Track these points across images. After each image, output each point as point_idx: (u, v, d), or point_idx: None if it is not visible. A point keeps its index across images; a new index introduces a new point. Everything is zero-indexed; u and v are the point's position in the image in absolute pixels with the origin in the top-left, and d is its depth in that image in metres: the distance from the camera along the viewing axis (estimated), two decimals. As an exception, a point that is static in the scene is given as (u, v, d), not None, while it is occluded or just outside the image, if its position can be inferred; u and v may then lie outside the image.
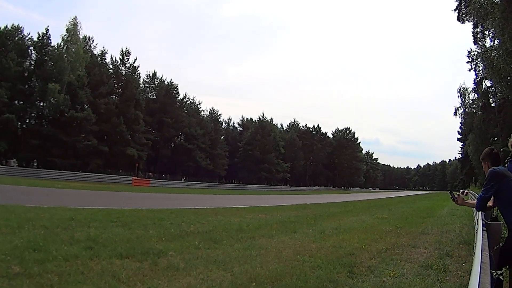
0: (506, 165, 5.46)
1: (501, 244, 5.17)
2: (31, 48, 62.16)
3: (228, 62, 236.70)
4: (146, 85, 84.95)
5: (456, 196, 5.83)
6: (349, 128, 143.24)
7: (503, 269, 4.40)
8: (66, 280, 5.45)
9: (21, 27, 61.08)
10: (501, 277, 3.94)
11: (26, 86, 60.19)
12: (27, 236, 7.94)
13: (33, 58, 62.11)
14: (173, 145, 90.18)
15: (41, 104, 61.72)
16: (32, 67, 61.38)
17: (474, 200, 6.33)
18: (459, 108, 62.78)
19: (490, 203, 5.38)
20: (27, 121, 62.50)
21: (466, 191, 6.34)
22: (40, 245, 7.15)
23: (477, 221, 7.03)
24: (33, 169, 54.50)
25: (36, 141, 56.92)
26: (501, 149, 6.69)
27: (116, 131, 67.40)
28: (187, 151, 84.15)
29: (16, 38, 60.31)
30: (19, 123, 59.62)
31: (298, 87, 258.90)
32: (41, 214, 11.21)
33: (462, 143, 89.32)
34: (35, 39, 62.16)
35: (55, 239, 7.99)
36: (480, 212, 6.09)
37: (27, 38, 61.97)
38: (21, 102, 59.70)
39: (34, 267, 5.87)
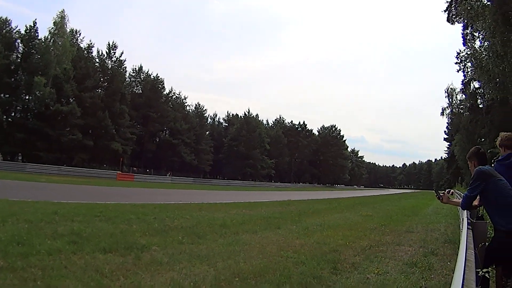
0: (492, 165, 5.54)
1: (486, 243, 5.26)
2: (18, 41, 61.41)
3: (215, 57, 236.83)
4: (132, 79, 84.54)
5: (441, 194, 5.90)
6: (335, 125, 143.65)
7: (489, 268, 4.48)
8: (50, 274, 5.44)
9: (9, 20, 60.38)
10: (487, 275, 4.00)
11: (12, 79, 59.38)
12: (11, 230, 7.91)
13: (20, 51, 61.38)
14: (158, 140, 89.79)
15: (27, 97, 61.14)
16: (19, 60, 60.64)
17: (459, 199, 6.39)
18: (447, 108, 63.37)
19: (475, 202, 5.42)
20: (13, 114, 61.78)
21: (451, 190, 6.42)
22: (24, 239, 7.12)
23: (463, 220, 7.11)
24: (17, 163, 54.14)
25: (21, 134, 56.33)
26: (488, 150, 6.80)
27: (101, 125, 66.91)
28: (172, 146, 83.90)
29: (4, 31, 59.48)
30: (4, 117, 58.89)
31: (284, 84, 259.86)
32: (25, 208, 11.15)
33: (448, 143, 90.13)
34: (23, 32, 61.47)
35: (39, 233, 7.96)
36: (465, 211, 6.16)
37: (14, 31, 61.22)
38: (7, 96, 59.06)
39: (18, 261, 5.84)
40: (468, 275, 2.55)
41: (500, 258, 4.85)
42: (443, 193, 5.88)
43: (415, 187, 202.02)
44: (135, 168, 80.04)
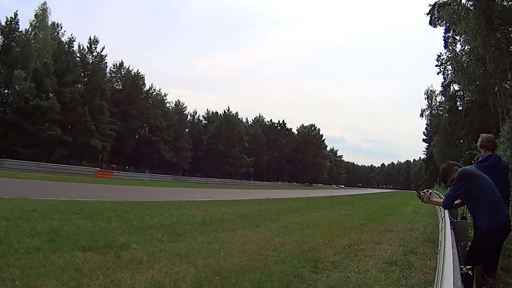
0: (473, 165, 5.64)
1: (467, 242, 5.36)
2: (-2, 33, 60.24)
3: (195, 55, 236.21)
4: (112, 75, 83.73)
5: (422, 194, 5.99)
6: (314, 124, 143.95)
7: (471, 273, 4.56)
8: (28, 273, 5.39)
9: (-10, 12, 59.35)
10: (470, 272, 4.08)
11: (-8, 72, 58.37)
12: (-12, 228, 7.82)
13: (-1, 43, 60.37)
14: (137, 137, 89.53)
15: (6, 91, 60.01)
16: (-2, 53, 59.57)
17: (439, 199, 6.47)
18: (426, 110, 64.24)
19: (457, 202, 5.54)
20: (-9, 108, 60.69)
21: (430, 190, 6.50)
22: (2, 237, 7.06)
23: (442, 219, 7.17)
24: (-5, 158, 53.37)
25: (0, 129, 55.54)
26: (467, 152, 6.89)
27: (80, 121, 66.37)
28: (151, 143, 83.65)
29: (-17, 23, 58.21)
30: (-17, 111, 57.89)
31: (264, 82, 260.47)
32: (3, 205, 11.02)
33: (427, 144, 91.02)
34: (3, 23, 60.02)
35: (17, 231, 7.88)
36: (446, 211, 6.24)
37: (-5, 23, 59.92)
38: (-14, 89, 57.88)
39: (-5, 260, 5.79)
40: (455, 274, 2.60)
41: (481, 257, 4.95)
42: (424, 192, 5.97)
43: (393, 187, 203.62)
44: (114, 165, 79.34)
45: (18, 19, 61.02)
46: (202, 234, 10.10)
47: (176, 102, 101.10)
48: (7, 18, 60.11)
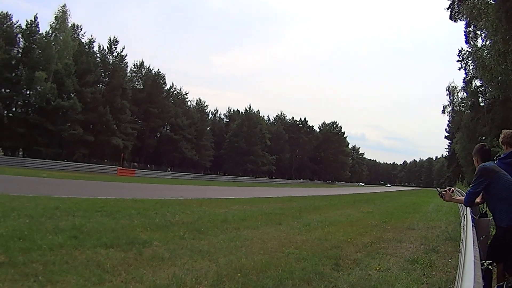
0: (495, 162, 5.50)
1: (487, 239, 5.24)
2: (19, 35, 60.98)
3: (215, 53, 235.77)
4: (133, 75, 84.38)
5: (443, 192, 5.88)
6: (336, 122, 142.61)
7: (491, 266, 4.46)
8: (51, 269, 5.43)
9: (10, 14, 60.01)
10: (490, 266, 3.99)
11: (13, 74, 59.22)
12: (12, 225, 7.90)
13: (20, 46, 61.03)
14: (159, 136, 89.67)
15: (28, 92, 60.81)
16: (20, 55, 60.36)
17: (461, 196, 6.35)
18: (448, 106, 63.17)
19: (478, 199, 5.39)
20: (13, 109, 61.47)
21: (452, 188, 6.37)
22: (25, 234, 7.12)
23: (464, 217, 7.06)
24: (18, 158, 54.00)
25: (22, 129, 56.18)
26: (490, 149, 6.71)
27: (102, 121, 66.99)
28: (173, 141, 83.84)
29: (4, 25, 59.18)
30: (5, 111, 58.94)
31: (285, 80, 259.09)
32: (26, 203, 11.15)
33: (449, 141, 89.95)
34: (24, 26, 60.92)
35: (40, 228, 7.95)
36: (468, 208, 6.11)
37: (15, 25, 60.83)
38: (8, 90, 58.80)
39: (19, 256, 5.85)
40: (476, 271, 2.55)
41: (502, 255, 4.83)
42: (445, 191, 5.85)
43: (415, 185, 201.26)
44: (136, 164, 79.91)
45: (38, 22, 61.94)
46: (224, 232, 10.09)
47: (197, 100, 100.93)
48: (27, 21, 61.13)
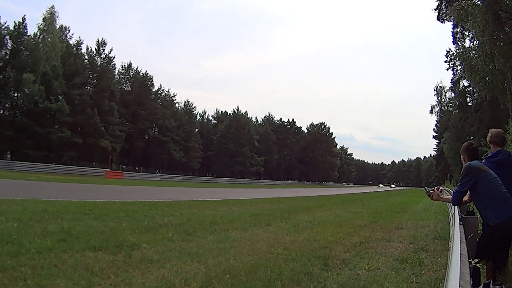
0: (482, 161, 5.58)
1: (475, 238, 5.31)
2: (7, 37, 60.34)
3: (203, 55, 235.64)
4: (121, 76, 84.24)
5: (431, 191, 5.95)
6: (324, 123, 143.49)
7: (479, 264, 4.53)
8: (40, 273, 5.43)
9: (-2, 16, 59.50)
10: (478, 265, 4.05)
11: (1, 76, 58.91)
12: (0, 228, 7.88)
13: (8, 47, 60.51)
14: (147, 137, 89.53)
15: (15, 94, 60.36)
16: (7, 57, 59.85)
17: (449, 195, 6.43)
18: (435, 106, 63.84)
19: (466, 198, 5.46)
20: (1, 112, 61.02)
21: (440, 187, 6.45)
22: (13, 238, 7.11)
23: (453, 216, 7.12)
24: (6, 161, 53.49)
25: (10, 132, 55.75)
26: (477, 147, 6.79)
27: (90, 123, 66.70)
28: (161, 143, 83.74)
29: (-8, 27, 58.75)
30: (-7, 114, 58.41)
31: (273, 81, 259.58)
32: (14, 207, 11.11)
33: (437, 141, 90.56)
34: (12, 28, 60.45)
35: (28, 231, 7.94)
36: (456, 207, 6.18)
37: (3, 27, 60.08)
38: (-5, 93, 58.31)
39: (7, 260, 5.83)
40: (463, 269, 2.59)
41: (490, 253, 4.90)
42: (433, 190, 5.93)
43: (404, 184, 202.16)
44: (124, 166, 79.60)
45: (26, 24, 61.49)
46: (213, 233, 10.11)
47: (185, 102, 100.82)
48: (15, 23, 60.70)
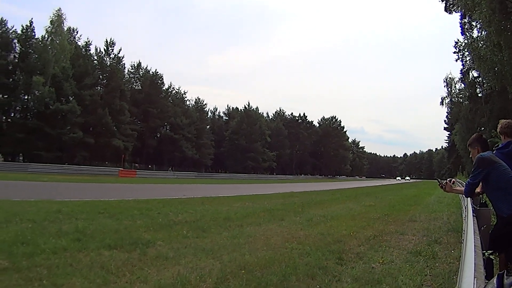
0: (494, 152, 5.48)
1: (488, 229, 5.23)
2: (15, 41, 60.99)
3: (211, 52, 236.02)
4: (131, 76, 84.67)
5: (444, 183, 5.88)
6: (335, 116, 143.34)
7: (492, 256, 4.46)
8: (55, 273, 5.44)
9: (5, 20, 60.02)
10: (491, 256, 4.00)
11: (10, 79, 59.41)
12: (15, 230, 7.91)
13: (17, 51, 61.05)
14: (159, 136, 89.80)
15: (26, 97, 60.89)
16: (16, 60, 60.43)
17: (461, 187, 6.35)
18: (446, 98, 63.02)
19: (478, 189, 5.37)
20: (12, 114, 61.64)
21: (453, 179, 6.37)
22: (28, 239, 7.13)
23: (466, 208, 7.05)
24: (19, 163, 53.98)
25: (21, 134, 56.13)
26: (488, 140, 6.70)
27: (101, 123, 67.27)
28: (173, 141, 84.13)
29: (0, 31, 59.25)
30: (4, 117, 59.20)
31: (284, 76, 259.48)
32: (28, 208, 11.16)
33: (448, 132, 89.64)
34: (19, 32, 60.97)
35: (43, 232, 7.97)
36: (468, 199, 6.11)
37: (11, 31, 60.85)
38: (5, 96, 58.85)
39: (23, 261, 5.84)
40: (477, 260, 2.56)
41: (503, 244, 4.83)
42: (446, 182, 5.85)
43: (416, 177, 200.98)
44: (136, 164, 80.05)
45: (33, 27, 62.10)
46: (227, 229, 10.09)
47: (196, 99, 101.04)
48: (22, 27, 61.26)
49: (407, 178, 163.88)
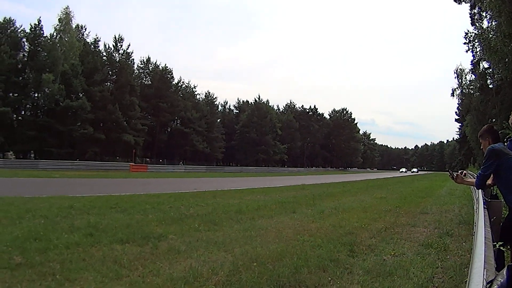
0: (505, 144, 5.44)
1: (499, 221, 5.19)
2: (24, 40, 61.52)
3: (220, 45, 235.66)
4: (140, 71, 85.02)
5: (455, 174, 5.83)
6: (346, 108, 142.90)
7: (503, 247, 4.42)
8: (68, 267, 5.47)
9: (13, 19, 60.66)
10: (502, 248, 3.96)
11: (20, 78, 59.84)
12: (28, 226, 7.99)
13: (26, 49, 61.60)
14: (169, 130, 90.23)
15: (36, 95, 61.45)
16: (26, 59, 60.93)
17: (472, 179, 6.31)
18: (456, 89, 62.55)
19: (489, 181, 5.32)
20: (23, 112, 62.27)
21: (464, 171, 6.33)
22: (41, 235, 7.19)
23: (477, 200, 7.02)
24: (30, 160, 54.59)
25: (32, 132, 56.75)
26: (499, 131, 6.66)
27: (112, 118, 67.56)
28: (184, 135, 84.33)
29: (9, 30, 59.90)
30: (15, 115, 59.54)
31: (294, 69, 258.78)
32: (40, 204, 11.25)
33: (460, 124, 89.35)
34: (28, 30, 61.42)
35: (56, 227, 8.03)
36: (479, 191, 6.07)
37: (19, 30, 61.41)
38: (16, 94, 59.40)
39: (36, 256, 5.89)
40: (488, 252, 2.55)
41: None
42: (457, 173, 5.80)
43: (427, 169, 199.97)
44: (148, 159, 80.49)
45: (42, 25, 62.42)
46: (239, 222, 10.10)
47: (206, 93, 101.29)
48: (31, 25, 61.67)
49: (414, 170, 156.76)
